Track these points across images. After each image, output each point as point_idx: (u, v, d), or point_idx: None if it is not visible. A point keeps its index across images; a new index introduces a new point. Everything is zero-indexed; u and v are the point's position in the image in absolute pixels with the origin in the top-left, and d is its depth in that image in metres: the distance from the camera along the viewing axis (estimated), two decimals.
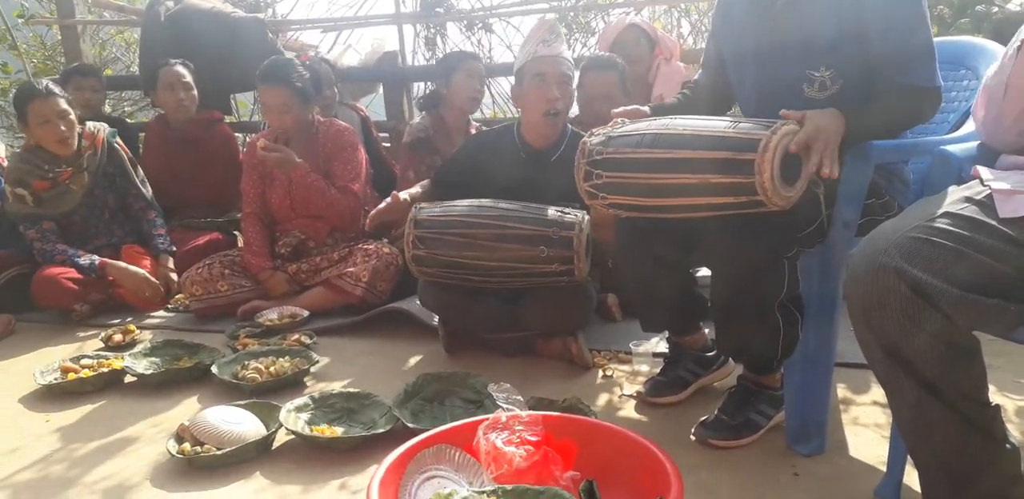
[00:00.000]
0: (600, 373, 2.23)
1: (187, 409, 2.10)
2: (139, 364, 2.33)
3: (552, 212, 2.20)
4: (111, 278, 3.03)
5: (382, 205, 2.45)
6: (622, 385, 2.14)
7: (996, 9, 3.30)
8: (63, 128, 2.98)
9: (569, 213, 2.19)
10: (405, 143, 3.24)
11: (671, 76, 3.23)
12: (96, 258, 3.03)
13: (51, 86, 2.99)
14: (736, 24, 1.83)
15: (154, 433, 1.96)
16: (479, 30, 4.65)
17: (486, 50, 4.65)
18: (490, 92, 4.58)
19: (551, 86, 2.34)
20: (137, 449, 1.88)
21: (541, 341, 2.36)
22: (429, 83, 4.40)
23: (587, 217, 2.19)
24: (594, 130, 1.71)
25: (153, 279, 3.05)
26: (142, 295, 3.03)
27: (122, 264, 3.04)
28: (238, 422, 1.84)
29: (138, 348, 2.49)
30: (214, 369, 2.23)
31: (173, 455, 1.74)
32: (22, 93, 2.99)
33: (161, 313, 3.06)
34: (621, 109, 1.80)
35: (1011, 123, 1.35)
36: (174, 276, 3.16)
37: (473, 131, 3.34)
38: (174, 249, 3.28)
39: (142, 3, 4.88)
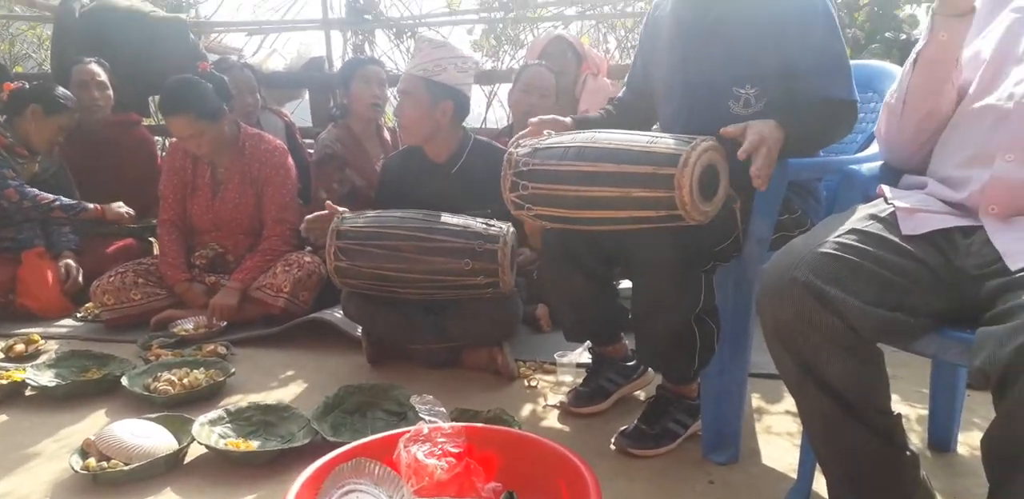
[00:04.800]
0: (525, 383, 2.24)
1: (94, 423, 2.02)
2: (42, 376, 2.23)
3: (476, 224, 2.20)
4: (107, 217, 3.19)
5: (314, 214, 2.38)
6: (546, 395, 2.15)
7: (904, 35, 3.47)
8: (60, 139, 3.23)
9: (494, 225, 2.19)
10: (313, 161, 3.20)
11: (598, 91, 3.29)
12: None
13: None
14: (664, 42, 1.86)
15: (56, 448, 1.87)
16: (408, 38, 4.63)
17: None
18: None
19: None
20: (37, 465, 1.79)
21: (467, 352, 2.36)
22: None
23: (512, 230, 2.20)
24: (520, 141, 1.73)
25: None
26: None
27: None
28: (147, 436, 1.78)
29: (42, 359, 2.38)
30: (124, 381, 2.15)
31: (76, 471, 1.67)
32: (56, 100, 3.15)
33: (68, 322, 2.94)
34: (538, 118, 1.82)
35: (910, 136, 1.43)
36: (71, 262, 3.07)
37: (388, 136, 3.32)
38: (79, 249, 3.17)
39: None
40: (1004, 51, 1.32)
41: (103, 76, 3.45)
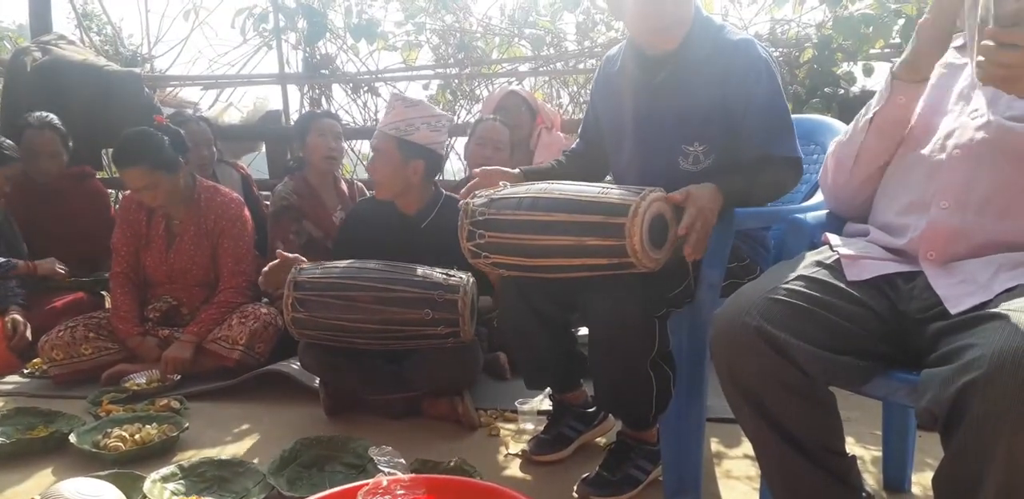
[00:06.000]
0: (487, 432, 2.23)
1: (40, 482, 1.95)
2: None
3: (436, 275, 2.21)
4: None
5: (268, 266, 2.35)
6: (508, 444, 2.14)
7: (842, 91, 3.64)
8: (7, 189, 3.17)
9: (453, 276, 2.21)
10: (270, 213, 3.20)
11: (552, 144, 3.38)
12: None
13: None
14: (614, 99, 1.93)
15: None
16: (365, 93, 4.70)
17: (371, 113, 4.70)
18: None
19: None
20: None
21: (428, 401, 2.34)
22: None
23: (472, 280, 2.22)
24: (477, 192, 1.77)
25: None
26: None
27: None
28: (96, 495, 1.71)
29: None
30: (72, 438, 2.09)
31: None
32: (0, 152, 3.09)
33: (14, 379, 2.85)
34: (482, 169, 1.88)
35: (858, 189, 1.49)
36: (18, 318, 2.96)
37: (344, 188, 3.34)
38: (26, 304, 3.08)
39: (7, 52, 4.70)
40: (935, 104, 1.40)
41: (56, 145, 3.34)
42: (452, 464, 1.86)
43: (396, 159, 2.39)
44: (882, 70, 3.72)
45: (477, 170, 1.88)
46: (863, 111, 1.45)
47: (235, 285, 2.87)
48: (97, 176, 3.89)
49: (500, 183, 1.80)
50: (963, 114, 1.34)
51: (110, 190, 4.10)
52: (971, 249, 1.28)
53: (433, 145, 2.43)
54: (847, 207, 1.55)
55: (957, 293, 1.21)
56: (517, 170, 1.93)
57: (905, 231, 1.35)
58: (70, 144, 3.40)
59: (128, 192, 3.04)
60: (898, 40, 3.60)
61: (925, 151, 1.37)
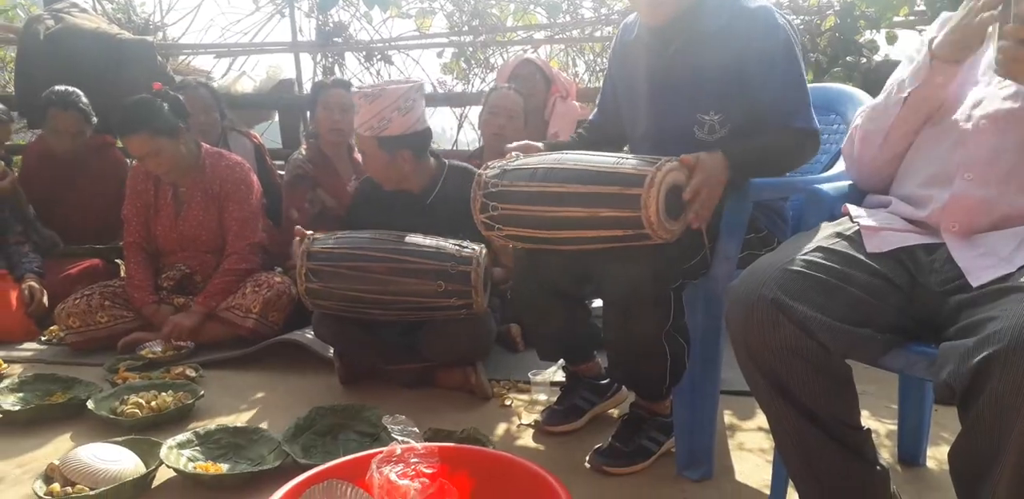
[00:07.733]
0: (499, 402, 2.24)
1: (59, 447, 1.98)
2: (5, 400, 2.18)
3: (449, 246, 2.20)
4: None
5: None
6: (520, 414, 2.15)
7: (864, 59, 3.57)
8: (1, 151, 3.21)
9: (467, 247, 2.20)
10: (285, 181, 3.19)
11: (567, 114, 3.33)
12: None
13: None
14: (630, 68, 1.89)
15: (20, 474, 1.83)
16: (378, 61, 4.66)
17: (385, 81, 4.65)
18: None
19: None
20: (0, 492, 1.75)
21: (441, 371, 2.35)
22: None
23: (485, 251, 2.20)
24: (490, 163, 1.74)
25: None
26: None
27: None
28: (114, 460, 1.74)
29: (5, 383, 2.32)
30: (90, 404, 2.11)
31: (40, 497, 1.62)
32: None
33: (32, 346, 2.88)
34: (515, 144, 1.84)
35: (885, 164, 1.45)
36: (35, 284, 3.00)
37: (359, 157, 3.31)
38: (42, 272, 3.11)
39: (20, 20, 4.68)
40: (964, 74, 1.36)
41: (80, 124, 3.32)
42: (465, 433, 1.86)
43: (382, 157, 2.33)
44: (906, 38, 3.63)
45: (511, 145, 1.82)
46: (894, 87, 1.40)
47: (239, 249, 2.86)
48: (118, 145, 3.88)
49: (513, 154, 1.77)
50: (991, 84, 1.31)
51: (128, 159, 4.10)
52: (994, 221, 1.26)
53: (412, 128, 2.31)
54: (871, 180, 1.52)
55: (979, 265, 1.19)
56: (541, 145, 1.90)
57: (928, 203, 1.33)
58: (93, 120, 3.37)
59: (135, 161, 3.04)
60: (923, 7, 3.51)
61: (951, 121, 1.34)
